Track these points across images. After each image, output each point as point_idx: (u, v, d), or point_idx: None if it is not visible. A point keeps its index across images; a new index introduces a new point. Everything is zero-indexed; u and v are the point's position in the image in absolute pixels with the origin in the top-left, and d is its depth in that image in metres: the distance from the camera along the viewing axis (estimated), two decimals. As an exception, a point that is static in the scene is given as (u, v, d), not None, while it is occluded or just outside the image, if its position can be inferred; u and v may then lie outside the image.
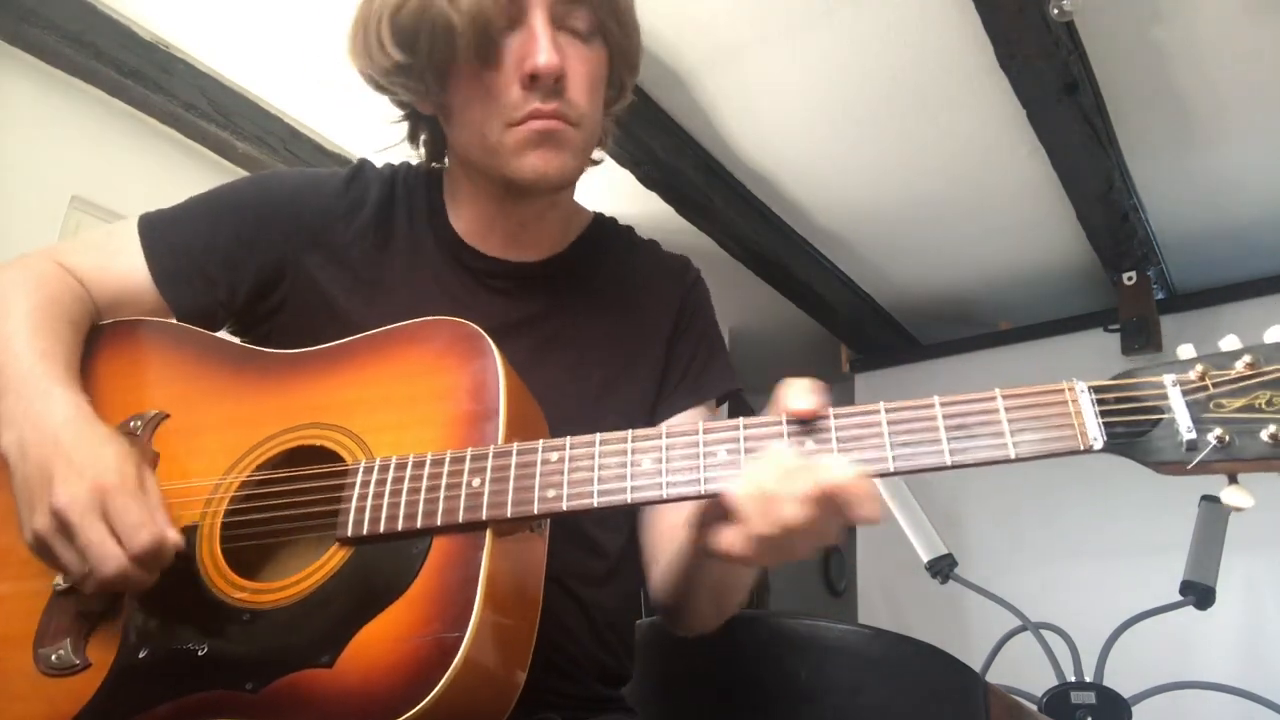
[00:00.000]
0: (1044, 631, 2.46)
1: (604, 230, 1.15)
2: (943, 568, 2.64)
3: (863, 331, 3.91)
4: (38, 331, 0.88)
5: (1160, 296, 3.35)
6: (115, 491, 0.76)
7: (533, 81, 0.90)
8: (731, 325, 3.98)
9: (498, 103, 0.91)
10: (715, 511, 0.74)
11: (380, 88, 1.00)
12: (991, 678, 1.97)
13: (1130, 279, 3.25)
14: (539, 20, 0.90)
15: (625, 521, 1.05)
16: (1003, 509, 3.41)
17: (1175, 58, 2.38)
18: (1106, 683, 2.28)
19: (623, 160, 2.72)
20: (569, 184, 1.00)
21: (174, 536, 0.78)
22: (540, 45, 0.89)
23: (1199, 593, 2.23)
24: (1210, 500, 2.32)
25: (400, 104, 1.05)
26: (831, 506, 0.67)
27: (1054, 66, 2.30)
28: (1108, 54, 2.37)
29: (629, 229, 1.18)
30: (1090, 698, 2.24)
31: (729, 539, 0.72)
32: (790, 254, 3.31)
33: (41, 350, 0.86)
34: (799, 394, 0.72)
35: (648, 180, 2.84)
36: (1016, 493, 3.38)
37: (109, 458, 0.78)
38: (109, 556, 0.75)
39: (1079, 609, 2.69)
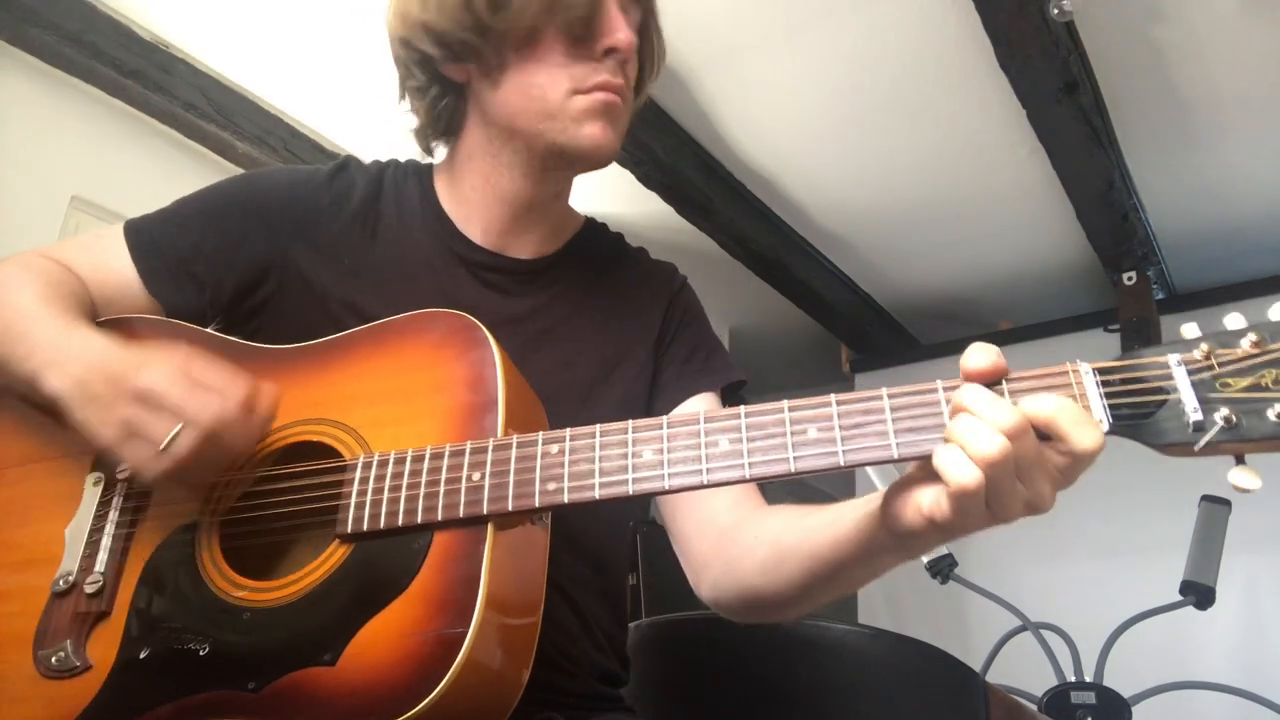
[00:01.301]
0: (1044, 631, 2.46)
1: (595, 234, 1.16)
2: (943, 568, 2.64)
3: (863, 331, 3.91)
4: (51, 302, 0.89)
5: (1160, 296, 3.35)
6: (191, 361, 0.78)
7: (605, 55, 0.96)
8: (731, 325, 3.98)
9: (568, 69, 0.95)
10: (906, 484, 0.70)
11: (440, 43, 0.98)
12: (991, 678, 1.97)
13: (1130, 279, 3.25)
14: (613, 2, 0.97)
15: (608, 525, 1.04)
16: (1003, 509, 3.40)
17: (1175, 58, 2.38)
18: (1106, 683, 2.28)
19: (623, 160, 2.72)
20: (609, 162, 1.01)
21: (271, 388, 0.80)
22: (620, 23, 0.96)
23: (1199, 593, 2.22)
24: (1210, 500, 2.32)
25: (427, 69, 1.02)
26: (1034, 437, 0.63)
27: (1054, 66, 2.30)
28: (1108, 54, 2.37)
29: (619, 235, 1.19)
30: (1090, 698, 2.24)
31: (929, 500, 0.66)
32: (790, 254, 3.31)
33: (63, 310, 0.88)
34: (979, 351, 0.67)
35: (648, 180, 2.84)
36: (1017, 493, 3.38)
37: (165, 353, 0.80)
38: (204, 406, 0.76)
39: (1079, 609, 2.69)
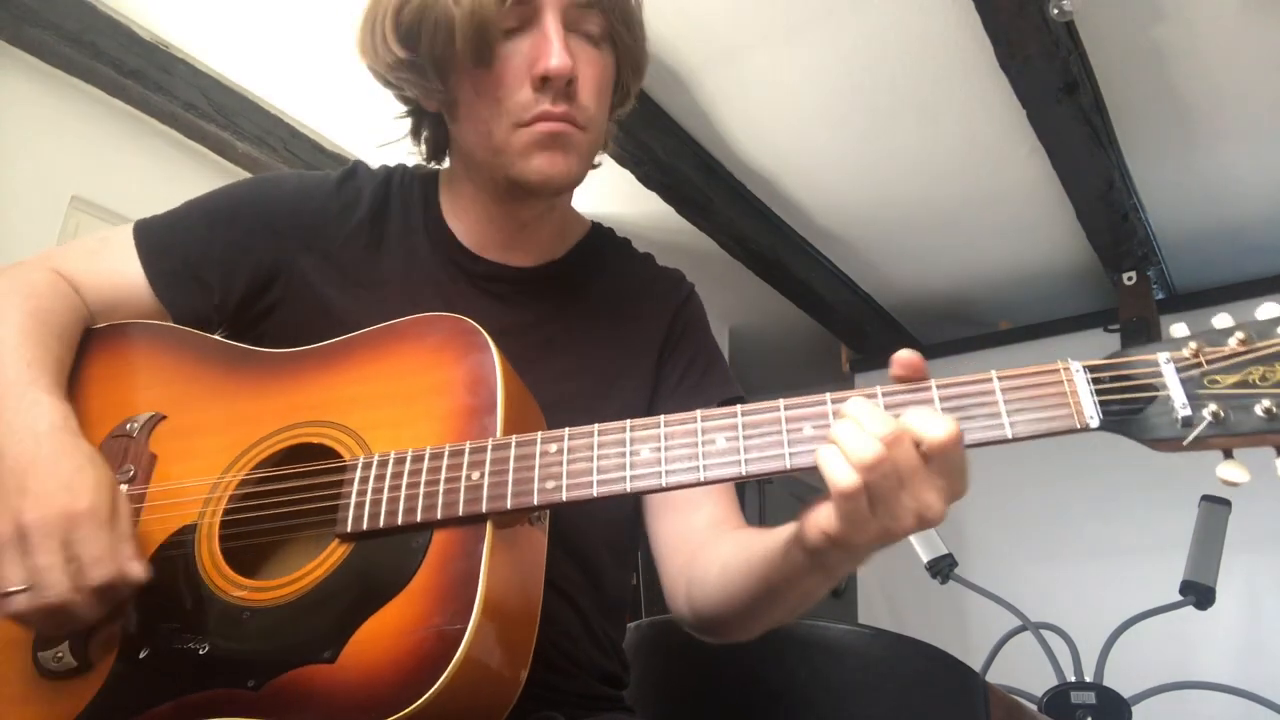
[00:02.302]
0: (1044, 631, 2.46)
1: (601, 240, 1.14)
2: (943, 568, 2.64)
3: (863, 331, 3.91)
4: (26, 341, 0.87)
5: (1160, 296, 3.35)
6: (83, 520, 0.74)
7: (544, 83, 0.90)
8: (731, 325, 3.98)
9: (506, 102, 0.91)
10: (816, 504, 0.72)
11: (388, 83, 1.00)
12: (991, 678, 1.98)
13: (1130, 279, 3.25)
14: (551, 23, 0.91)
15: (611, 528, 1.04)
16: (1003, 509, 3.41)
17: (1175, 58, 2.38)
18: (1106, 683, 2.28)
19: (623, 160, 2.72)
20: (573, 187, 0.99)
21: (137, 572, 0.76)
22: (553, 48, 0.90)
23: (1199, 593, 2.23)
24: (1210, 500, 2.32)
25: (405, 99, 1.04)
26: (910, 445, 0.66)
27: (1054, 66, 2.30)
28: (1108, 54, 2.37)
29: (626, 241, 1.17)
30: (1090, 698, 2.24)
31: (823, 515, 0.69)
32: (790, 254, 3.31)
33: (28, 359, 0.85)
34: (901, 356, 0.71)
35: (648, 180, 2.84)
36: (1017, 493, 3.38)
37: (87, 482, 0.77)
38: (54, 584, 0.73)
39: (1079, 609, 2.70)
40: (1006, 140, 2.71)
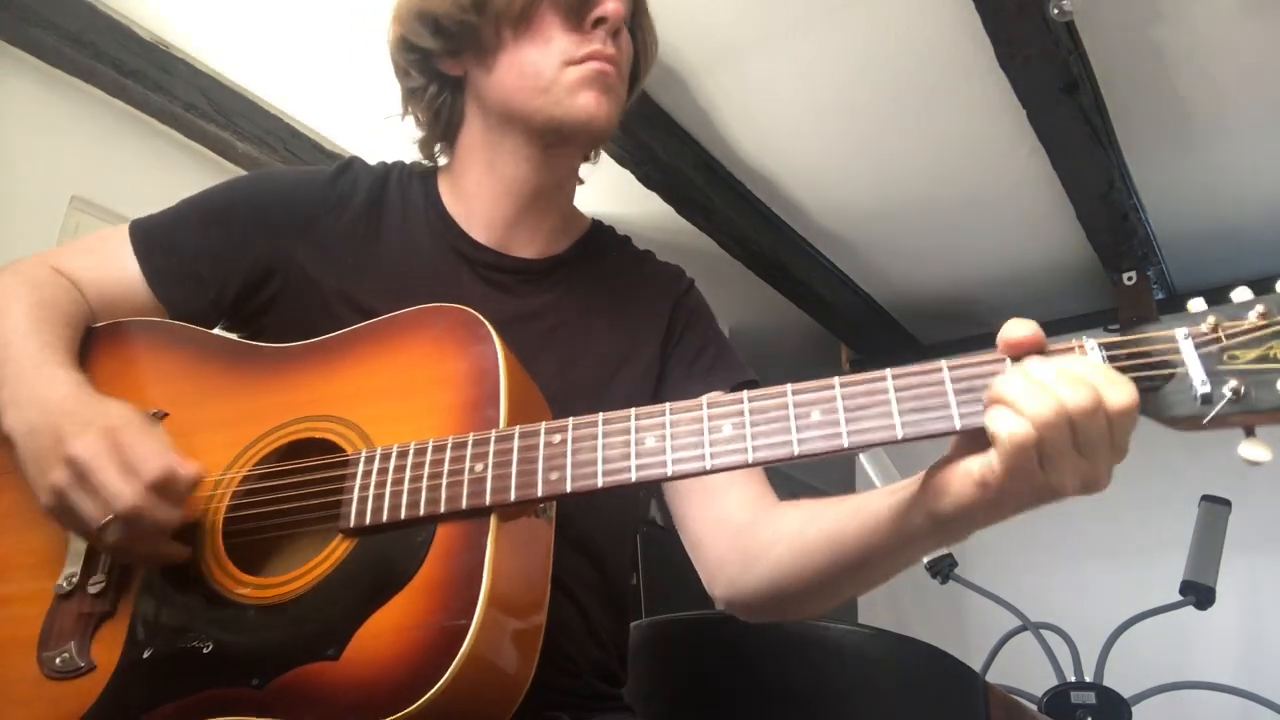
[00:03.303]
0: (1044, 631, 2.46)
1: (602, 235, 1.16)
2: (943, 568, 2.64)
3: (863, 331, 3.91)
4: (37, 328, 0.89)
5: (1160, 296, 3.35)
6: (122, 430, 0.78)
7: (595, 27, 0.97)
8: (731, 325, 3.97)
9: (558, 42, 0.97)
10: (947, 462, 0.69)
11: (437, 31, 1.00)
12: (991, 678, 1.97)
13: (1130, 279, 3.25)
14: None
15: (612, 525, 1.04)
16: (1003, 509, 3.40)
17: (1175, 58, 2.38)
18: (1106, 683, 2.28)
19: (623, 160, 2.72)
20: (605, 138, 1.03)
21: (190, 467, 0.79)
22: None
23: (1199, 593, 2.23)
24: (1210, 500, 2.32)
25: (424, 68, 1.05)
26: (1096, 401, 0.62)
27: (1054, 66, 2.30)
28: (1108, 54, 2.37)
29: (626, 238, 1.19)
30: (1090, 698, 2.24)
31: (979, 465, 0.65)
32: (790, 254, 3.31)
33: (41, 342, 0.88)
34: (1016, 323, 0.69)
35: (648, 180, 2.84)
36: (1016, 493, 3.37)
37: (115, 407, 0.82)
38: (124, 491, 0.75)
39: (1079, 609, 2.70)
40: (1007, 140, 2.71)
